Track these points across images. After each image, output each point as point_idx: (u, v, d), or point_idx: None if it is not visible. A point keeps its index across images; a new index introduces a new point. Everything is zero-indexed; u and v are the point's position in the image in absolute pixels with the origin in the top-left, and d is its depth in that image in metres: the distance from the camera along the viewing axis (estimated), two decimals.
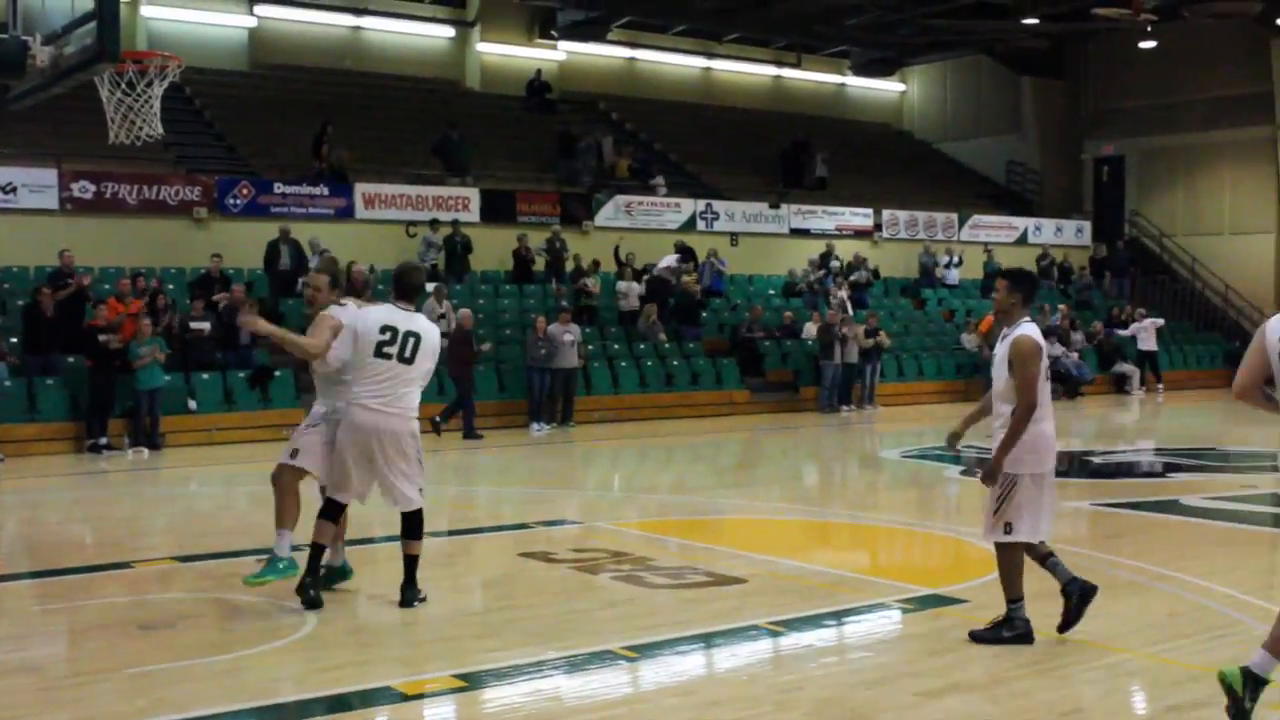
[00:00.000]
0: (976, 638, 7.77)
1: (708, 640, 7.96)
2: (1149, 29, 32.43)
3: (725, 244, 29.13)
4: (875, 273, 30.49)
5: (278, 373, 19.91)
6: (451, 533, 12.25)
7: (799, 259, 29.84)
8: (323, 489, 8.69)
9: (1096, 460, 18.59)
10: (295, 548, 8.70)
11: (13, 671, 7.26)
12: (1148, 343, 30.02)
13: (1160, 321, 30.45)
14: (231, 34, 30.93)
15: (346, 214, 25.25)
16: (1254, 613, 8.69)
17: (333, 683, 6.97)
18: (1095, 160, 38.96)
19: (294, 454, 8.60)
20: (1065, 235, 35.89)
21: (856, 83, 40.85)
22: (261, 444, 17.65)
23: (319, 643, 7.84)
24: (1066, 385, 28.35)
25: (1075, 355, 28.98)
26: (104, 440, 18.57)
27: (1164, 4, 29.58)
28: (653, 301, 25.57)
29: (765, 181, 33.33)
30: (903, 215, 32.74)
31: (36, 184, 22.41)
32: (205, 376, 20.16)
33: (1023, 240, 34.67)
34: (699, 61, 37.98)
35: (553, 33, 34.17)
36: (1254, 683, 6.17)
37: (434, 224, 25.28)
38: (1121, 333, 30.59)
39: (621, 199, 28.66)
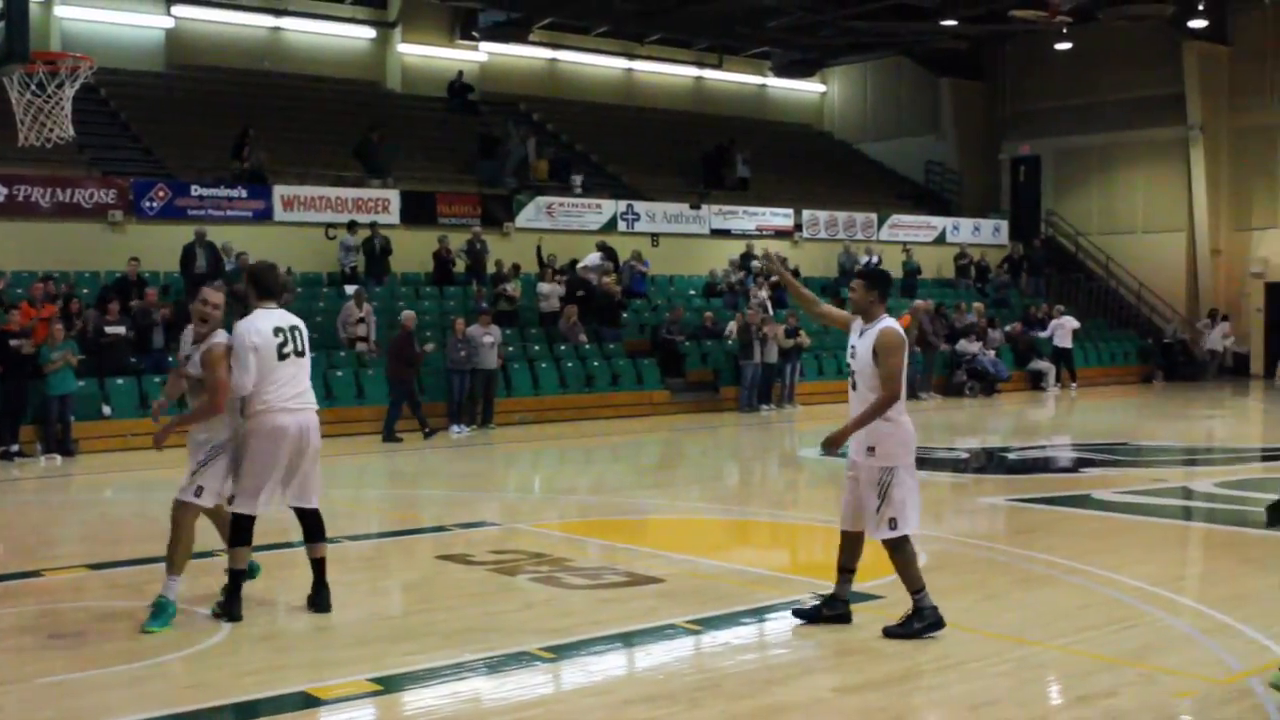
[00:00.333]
0: (890, 633, 7.87)
1: (624, 640, 7.99)
2: (1064, 31, 32.84)
3: (646, 245, 29.19)
4: (795, 272, 30.61)
5: None
6: (369, 536, 12.17)
7: (719, 259, 29.97)
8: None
9: (1012, 456, 18.84)
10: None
11: None
12: (1063, 340, 30.42)
13: (1077, 324, 30.83)
14: (148, 34, 30.54)
15: (265, 216, 25.02)
16: (1161, 604, 8.86)
17: (246, 689, 6.93)
18: (1012, 160, 39.41)
19: (199, 492, 8.29)
20: (983, 234, 36.29)
21: (777, 84, 41.08)
22: (179, 449, 17.43)
23: (232, 649, 7.77)
24: (983, 382, 28.70)
25: (992, 353, 29.32)
26: (15, 447, 18.26)
27: (1079, 6, 29.97)
28: (573, 303, 25.56)
29: (686, 182, 33.43)
30: (823, 215, 32.97)
31: None
32: (120, 382, 19.90)
33: (941, 239, 35.02)
34: (621, 63, 38.03)
35: (474, 34, 34.06)
36: None
37: (351, 226, 25.12)
38: (1041, 334, 30.94)
39: (543, 200, 28.64)
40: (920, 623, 7.87)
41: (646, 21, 35.50)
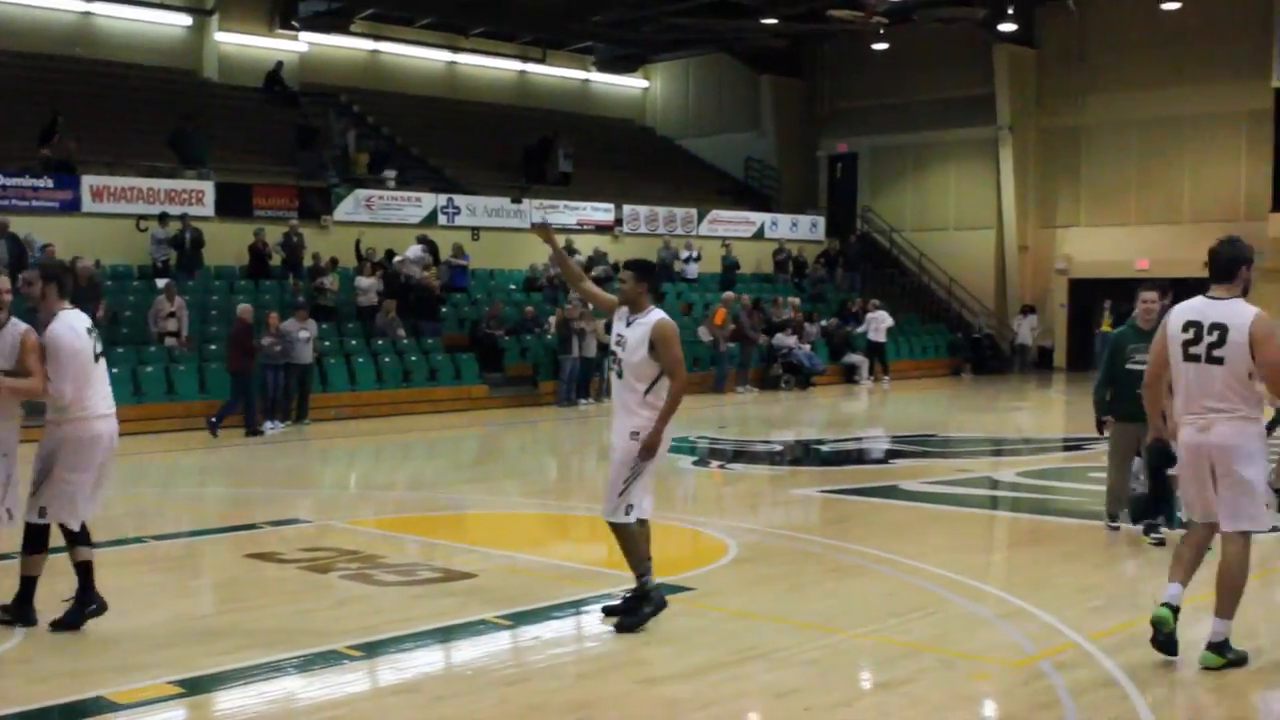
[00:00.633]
0: (623, 627, 7.89)
1: (435, 636, 7.94)
2: (881, 32, 33.54)
3: (467, 239, 29.03)
4: (615, 267, 30.77)
5: None
6: (178, 535, 11.90)
7: (540, 254, 29.92)
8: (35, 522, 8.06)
9: (825, 448, 19.20)
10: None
11: None
12: (877, 334, 31.09)
13: (890, 321, 31.49)
14: None
15: (73, 207, 24.24)
16: (963, 591, 9.12)
17: (42, 696, 6.71)
18: (829, 157, 40.11)
19: (42, 512, 7.91)
20: (800, 230, 36.85)
21: (600, 79, 41.20)
22: None
23: (27, 655, 7.52)
24: (799, 376, 29.19)
25: (808, 347, 29.83)
26: None
27: (895, 8, 30.62)
28: (392, 297, 25.30)
29: (508, 176, 33.32)
30: (643, 210, 33.16)
31: None
32: None
33: (760, 235, 35.48)
34: (443, 55, 37.71)
35: (294, 23, 33.47)
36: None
37: (163, 218, 24.51)
38: (859, 329, 31.56)
39: (361, 193, 28.28)
40: (651, 607, 7.99)
41: (470, 14, 35.31)
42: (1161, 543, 10.44)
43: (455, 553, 10.74)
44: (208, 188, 26.00)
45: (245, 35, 33.06)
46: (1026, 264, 36.17)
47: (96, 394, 7.98)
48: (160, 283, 23.30)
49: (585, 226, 31.76)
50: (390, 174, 29.70)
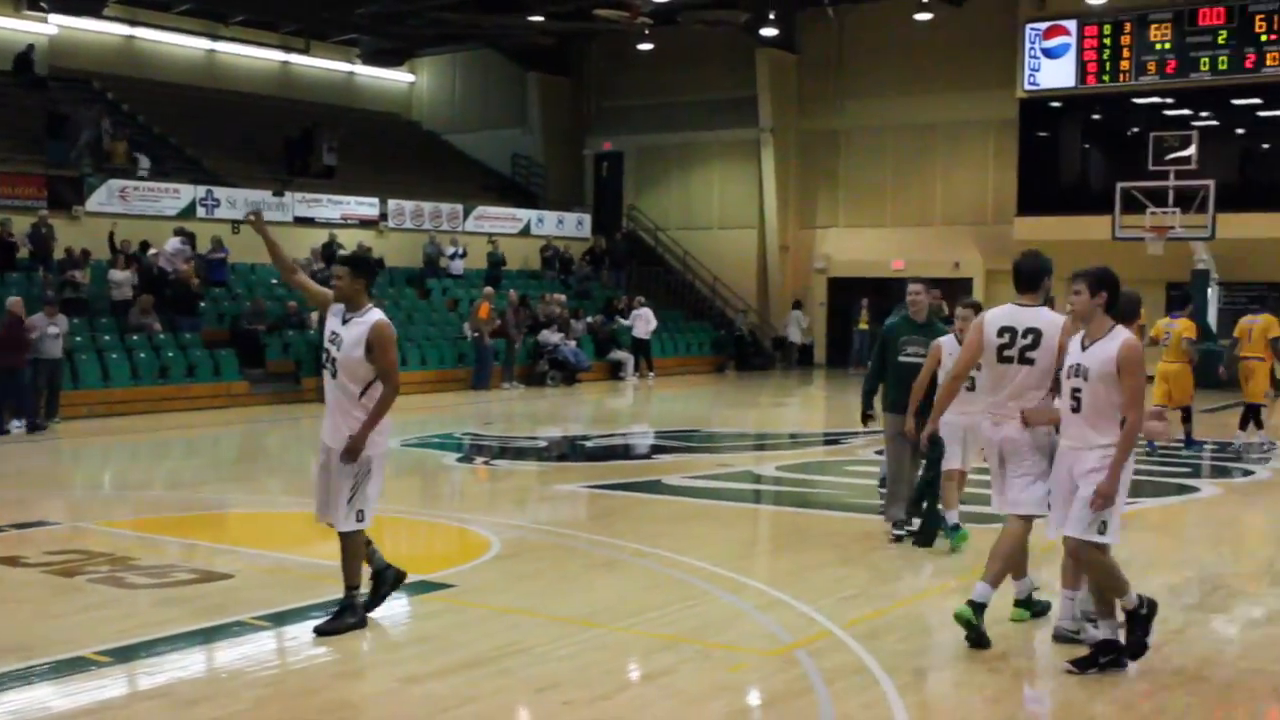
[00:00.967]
0: (323, 631, 7.76)
1: (190, 640, 7.74)
2: (646, 32, 33.90)
3: (227, 231, 28.29)
4: (380, 262, 30.44)
5: None
6: None
7: (303, 248, 29.38)
8: None
9: (590, 444, 19.33)
10: None
11: None
12: (642, 331, 31.42)
13: (655, 323, 31.80)
14: None
15: None
16: (722, 583, 9.30)
17: None
18: (595, 155, 40.39)
19: None
20: (567, 227, 37.01)
21: (366, 71, 40.67)
22: None
23: None
24: (565, 372, 29.31)
25: (573, 343, 29.97)
26: None
27: (659, 10, 30.97)
28: (148, 291, 24.53)
29: (270, 169, 32.62)
30: (409, 205, 32.84)
31: None
32: None
33: (526, 231, 35.50)
34: (203, 43, 36.67)
35: (42, 4, 32.16)
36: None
37: None
38: (624, 321, 31.84)
39: (115, 183, 27.30)
40: (354, 617, 7.85)
41: (230, 1, 34.43)
42: (899, 539, 10.73)
43: (213, 554, 10.50)
44: None
45: None
46: (787, 263, 37.02)
47: None
48: None
49: (349, 221, 31.30)
50: (145, 164, 28.76)
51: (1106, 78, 31.10)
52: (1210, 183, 27.16)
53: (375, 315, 7.83)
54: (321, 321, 8.05)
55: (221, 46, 37.03)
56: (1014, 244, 31.63)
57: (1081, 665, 7.15)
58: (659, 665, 7.29)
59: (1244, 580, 9.76)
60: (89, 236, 25.60)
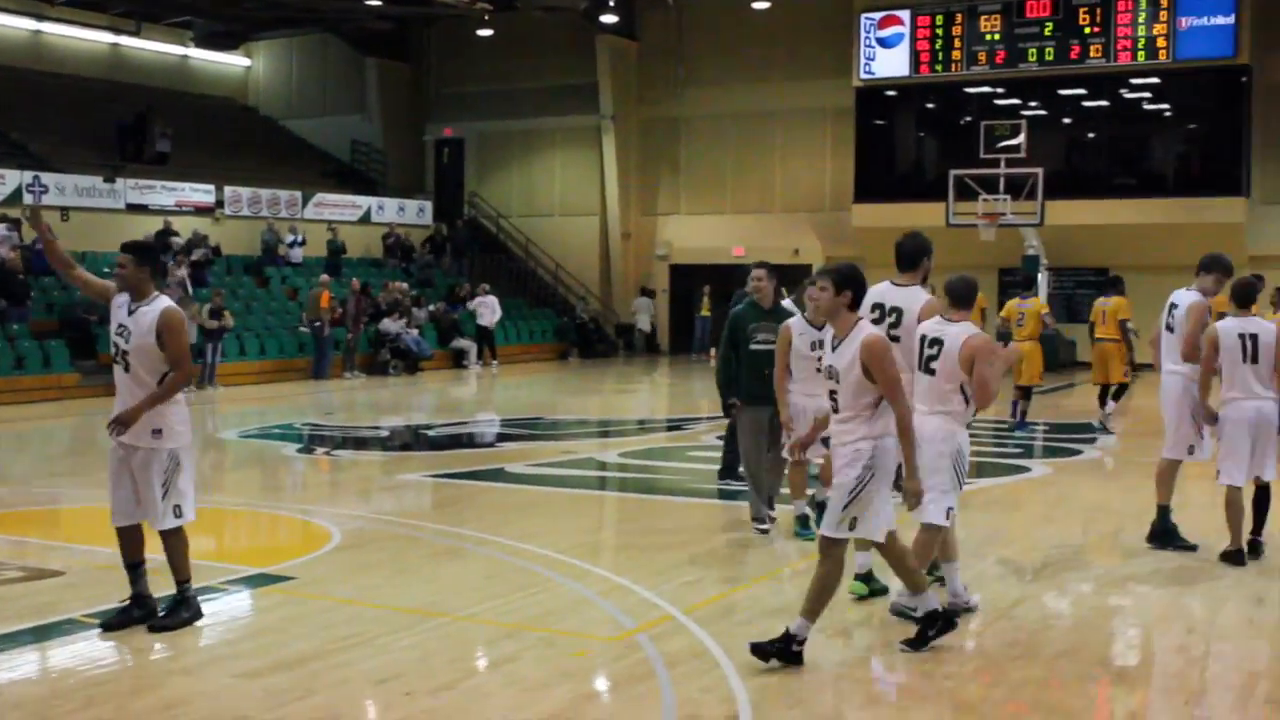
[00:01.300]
0: (157, 627, 7.57)
1: (19, 639, 7.52)
2: (486, 18, 33.79)
3: (56, 219, 27.47)
4: (216, 250, 29.89)
5: None
6: None
7: (136, 235, 28.66)
8: None
9: (433, 433, 19.20)
10: None
11: None
12: (486, 319, 31.30)
13: (499, 314, 31.69)
14: None
15: None
16: (565, 570, 9.32)
17: None
18: (436, 142, 40.09)
19: None
20: (408, 214, 36.67)
21: (200, 55, 39.77)
22: None
23: None
24: (407, 361, 29.08)
25: (415, 331, 29.74)
26: None
27: None
28: None
29: (101, 154, 31.73)
30: (246, 192, 32.22)
31: None
32: None
33: (366, 219, 35.08)
34: (27, 23, 35.48)
35: None
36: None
37: None
38: (470, 305, 31.67)
39: None
40: (189, 611, 7.68)
41: None
42: (766, 532, 10.64)
43: (44, 550, 10.23)
44: None
45: None
46: (630, 250, 37.18)
47: None
48: None
49: (184, 208, 30.61)
50: None
51: (939, 67, 31.77)
52: (1039, 170, 27.95)
53: (163, 302, 7.61)
54: (106, 316, 7.77)
55: (48, 27, 35.90)
56: (851, 231, 32.29)
57: (913, 644, 7.29)
58: (502, 653, 7.29)
59: (1074, 556, 10.07)
60: None
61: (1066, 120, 32.40)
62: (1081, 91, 31.41)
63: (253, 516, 12.24)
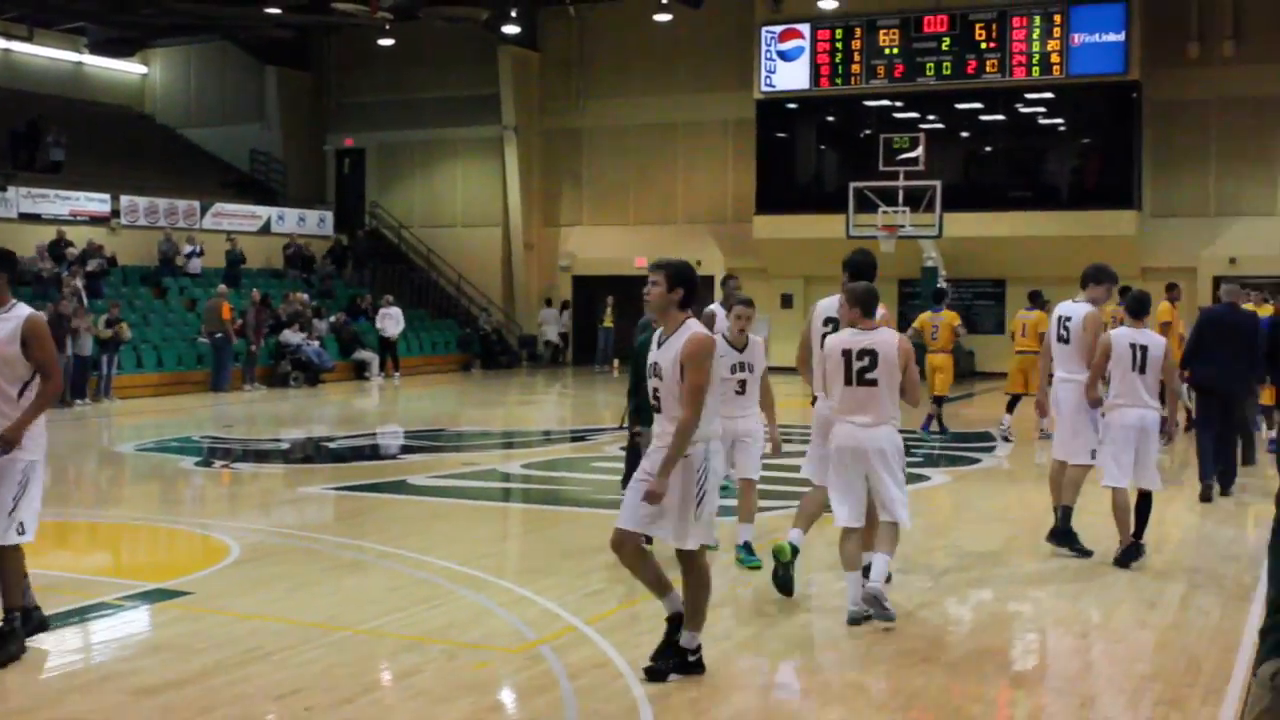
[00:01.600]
0: None
1: None
2: (387, 27, 33.55)
3: None
4: (112, 260, 29.41)
5: None
6: None
7: (28, 246, 28.12)
8: None
9: (335, 445, 19.02)
10: None
11: None
12: (388, 330, 31.08)
13: (403, 325, 31.47)
14: None
15: None
16: (467, 582, 9.27)
17: None
18: (337, 152, 39.76)
19: None
20: (309, 225, 36.32)
21: (95, 62, 39.13)
22: None
23: None
24: (308, 372, 28.79)
25: (316, 343, 29.45)
26: None
27: (400, 5, 30.66)
28: None
29: None
30: (143, 202, 31.74)
31: None
32: None
33: (266, 229, 34.69)
34: None
35: None
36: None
37: None
38: (376, 322, 31.39)
39: None
40: (15, 645, 7.20)
41: None
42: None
43: None
44: None
45: None
46: (533, 262, 37.12)
47: None
48: None
49: (79, 218, 30.08)
50: None
51: (839, 81, 32.09)
52: (937, 183, 28.33)
53: (23, 309, 7.35)
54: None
55: None
56: (753, 242, 32.47)
57: (653, 675, 6.87)
58: (404, 666, 7.24)
59: (973, 562, 10.20)
60: None
61: (964, 134, 32.90)
62: (978, 106, 31.91)
63: (150, 531, 12.05)
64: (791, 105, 33.40)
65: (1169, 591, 9.21)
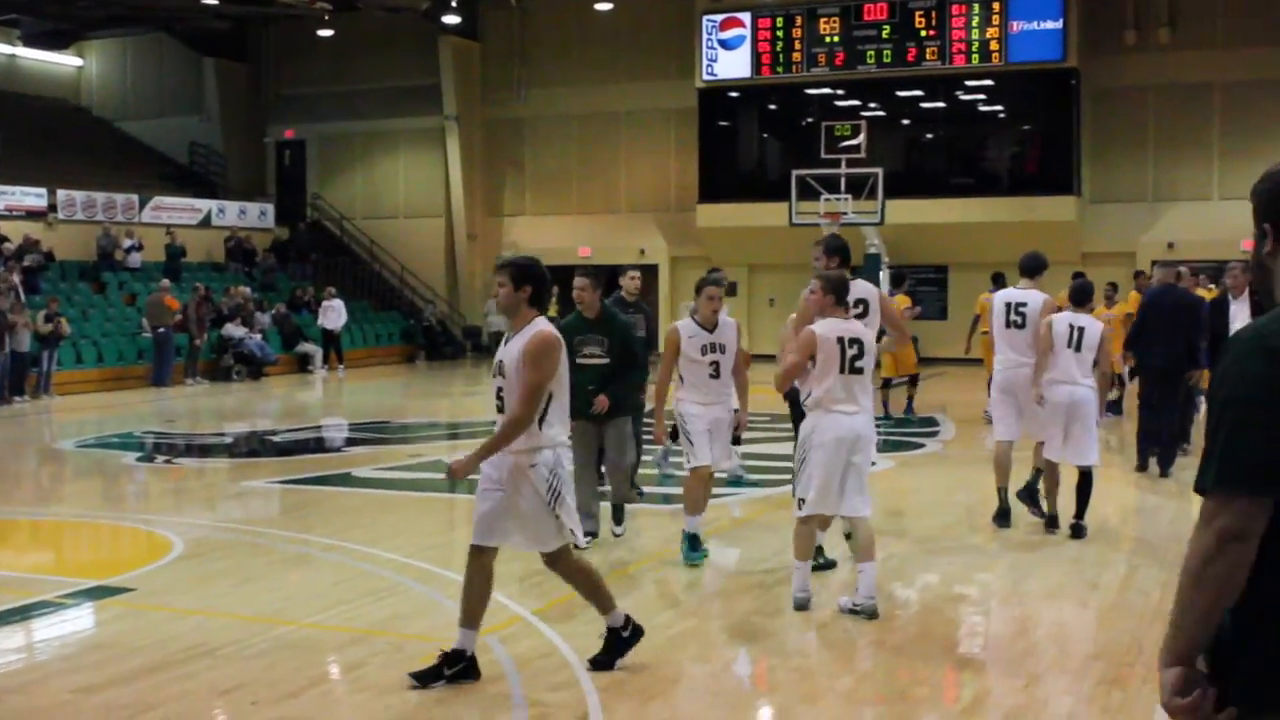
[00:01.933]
0: None
1: None
2: (326, 18, 33.35)
3: None
4: (50, 255, 29.06)
5: None
6: None
7: None
8: None
9: (278, 439, 18.89)
10: None
11: None
12: (333, 323, 30.89)
13: (346, 317, 31.26)
14: None
15: None
16: (413, 574, 9.25)
17: None
18: (277, 144, 39.46)
19: None
20: (250, 217, 36.00)
21: (29, 54, 38.65)
22: None
23: None
24: (251, 366, 28.56)
25: (259, 336, 29.23)
26: None
27: None
28: None
29: None
30: (80, 196, 31.35)
31: None
32: None
33: (206, 222, 34.36)
34: None
35: None
36: None
37: None
38: (317, 315, 31.16)
39: None
40: None
41: None
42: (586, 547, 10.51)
43: None
44: None
45: None
46: (476, 252, 36.98)
47: None
48: None
49: (15, 213, 29.68)
50: None
51: (780, 69, 32.16)
52: (879, 170, 28.41)
53: None
54: None
55: None
56: (696, 231, 32.53)
57: (422, 678, 6.70)
58: (350, 659, 7.21)
59: (919, 545, 10.27)
60: None
61: (905, 121, 33.07)
62: (919, 93, 32.08)
63: (91, 528, 11.93)
64: (733, 94, 33.43)
65: (1110, 572, 9.31)
